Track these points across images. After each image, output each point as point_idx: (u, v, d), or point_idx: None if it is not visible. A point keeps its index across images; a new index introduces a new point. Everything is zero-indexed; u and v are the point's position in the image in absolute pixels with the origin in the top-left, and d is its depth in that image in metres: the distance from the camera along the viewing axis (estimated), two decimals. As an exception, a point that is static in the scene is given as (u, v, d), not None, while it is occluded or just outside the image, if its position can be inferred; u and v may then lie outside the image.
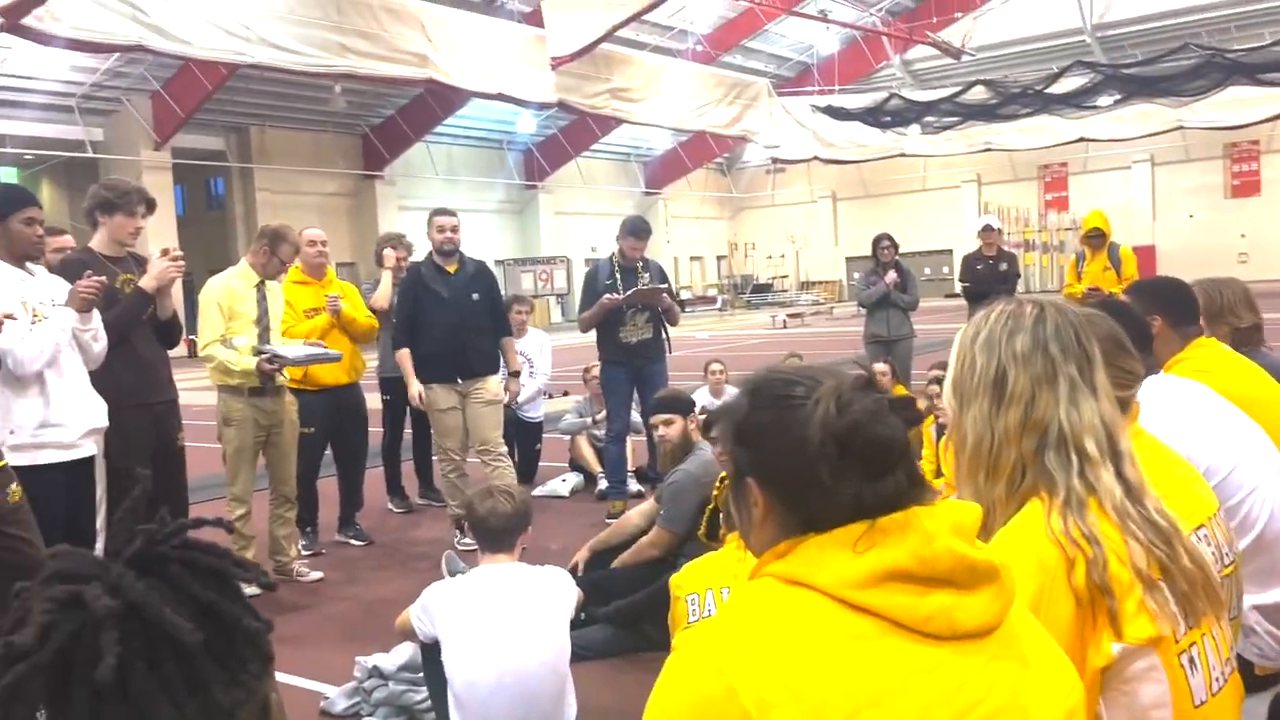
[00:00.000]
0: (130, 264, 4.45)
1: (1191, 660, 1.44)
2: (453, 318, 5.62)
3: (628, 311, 6.38)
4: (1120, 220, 23.02)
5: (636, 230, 6.47)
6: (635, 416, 6.78)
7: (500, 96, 20.26)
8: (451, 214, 5.88)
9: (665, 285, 6.35)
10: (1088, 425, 1.48)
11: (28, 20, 12.98)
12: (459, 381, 5.67)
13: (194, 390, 8.62)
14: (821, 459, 1.12)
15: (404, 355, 5.70)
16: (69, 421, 3.74)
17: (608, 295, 6.28)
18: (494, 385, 5.81)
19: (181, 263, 4.39)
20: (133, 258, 4.49)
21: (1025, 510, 1.49)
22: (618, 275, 6.44)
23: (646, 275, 6.46)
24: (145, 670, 0.73)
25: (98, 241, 4.42)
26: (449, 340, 5.62)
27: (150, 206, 4.48)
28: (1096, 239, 8.42)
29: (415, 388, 5.66)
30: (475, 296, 5.74)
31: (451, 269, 5.75)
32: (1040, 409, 1.48)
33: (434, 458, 5.81)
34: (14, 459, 3.48)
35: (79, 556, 0.79)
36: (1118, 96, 24.70)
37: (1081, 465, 1.46)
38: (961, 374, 1.56)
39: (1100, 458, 1.47)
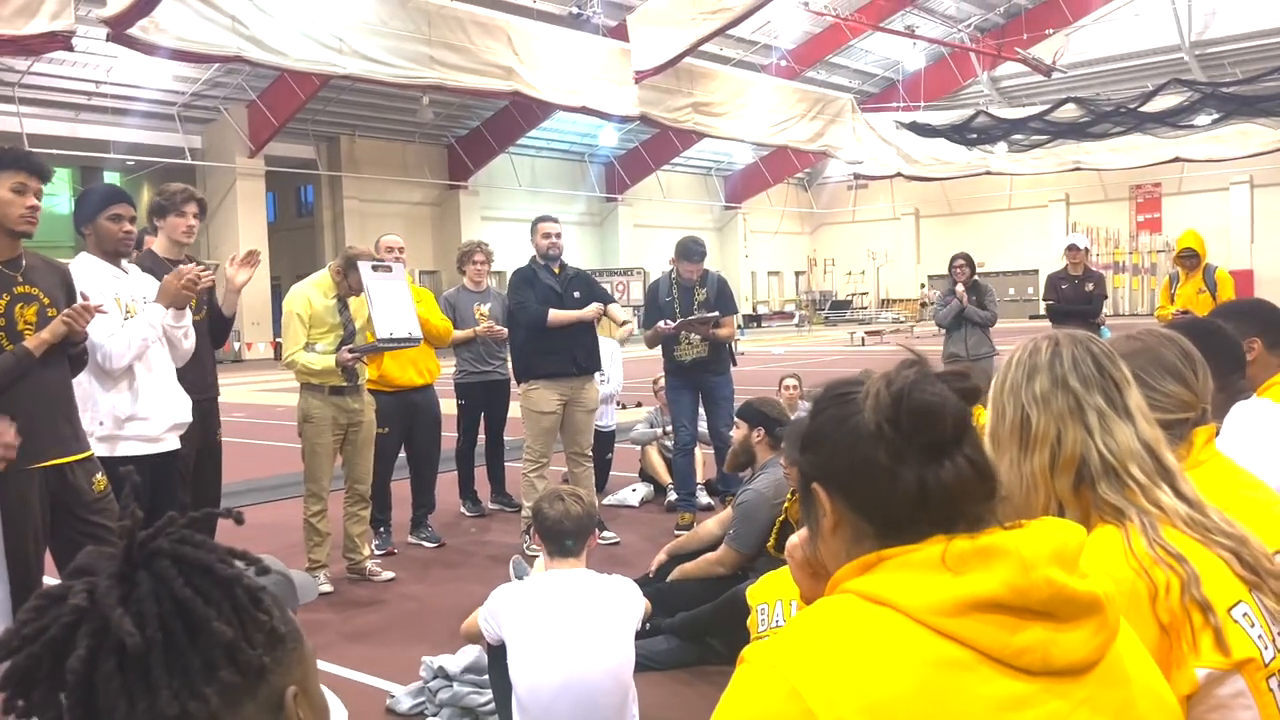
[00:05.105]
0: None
1: None
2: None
3: (680, 331, 6.47)
4: (1217, 243, 22.26)
5: (688, 254, 6.51)
6: (703, 428, 6.76)
7: (584, 109, 20.45)
8: (556, 221, 6.16)
9: (713, 315, 6.37)
10: (1127, 451, 1.45)
11: (133, 30, 13.49)
12: (571, 376, 5.87)
13: (279, 391, 8.80)
14: (878, 441, 1.09)
15: (557, 313, 5.80)
16: (154, 415, 3.84)
17: (663, 321, 6.38)
18: (595, 391, 6.10)
19: (205, 280, 3.98)
20: (190, 260, 4.48)
21: (1098, 536, 1.44)
22: (675, 293, 6.51)
23: (704, 291, 6.51)
24: (112, 668, 0.73)
25: (158, 246, 4.54)
26: (560, 334, 5.84)
27: (201, 205, 4.55)
28: (1190, 260, 8.16)
29: (592, 309, 5.85)
30: (577, 295, 6.00)
31: (556, 270, 6.04)
32: (1069, 446, 1.46)
33: (521, 460, 5.89)
34: (99, 449, 3.59)
35: (95, 554, 0.78)
36: (1216, 115, 23.84)
37: (1137, 489, 1.44)
38: (995, 425, 1.54)
39: (1150, 480, 1.44)
